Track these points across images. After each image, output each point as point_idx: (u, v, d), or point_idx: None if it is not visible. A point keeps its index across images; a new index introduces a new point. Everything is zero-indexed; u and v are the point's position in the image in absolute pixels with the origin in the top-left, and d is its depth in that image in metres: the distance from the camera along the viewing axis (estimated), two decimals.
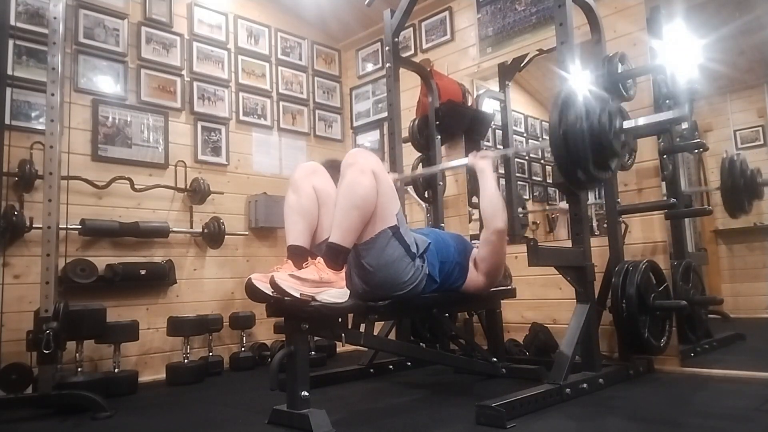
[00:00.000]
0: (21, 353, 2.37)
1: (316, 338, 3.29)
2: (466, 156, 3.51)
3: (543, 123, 4.23)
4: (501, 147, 3.69)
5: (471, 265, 2.29)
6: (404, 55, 3.71)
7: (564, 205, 3.47)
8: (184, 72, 3.47)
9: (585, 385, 2.07)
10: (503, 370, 2.53)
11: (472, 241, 2.47)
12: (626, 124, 2.08)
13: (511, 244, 3.18)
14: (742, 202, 3.11)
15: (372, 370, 2.79)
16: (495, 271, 2.31)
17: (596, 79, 2.62)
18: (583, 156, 1.95)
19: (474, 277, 2.27)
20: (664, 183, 2.93)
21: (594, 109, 1.99)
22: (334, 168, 2.21)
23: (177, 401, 2.45)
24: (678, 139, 3.16)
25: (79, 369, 2.53)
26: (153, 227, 3.10)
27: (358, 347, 2.39)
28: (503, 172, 3.80)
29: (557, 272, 2.25)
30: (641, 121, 2.16)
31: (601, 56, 2.65)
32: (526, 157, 4.12)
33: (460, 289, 2.26)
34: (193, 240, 3.37)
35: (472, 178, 3.51)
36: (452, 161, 3.04)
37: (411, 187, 3.40)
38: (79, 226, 2.83)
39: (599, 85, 2.59)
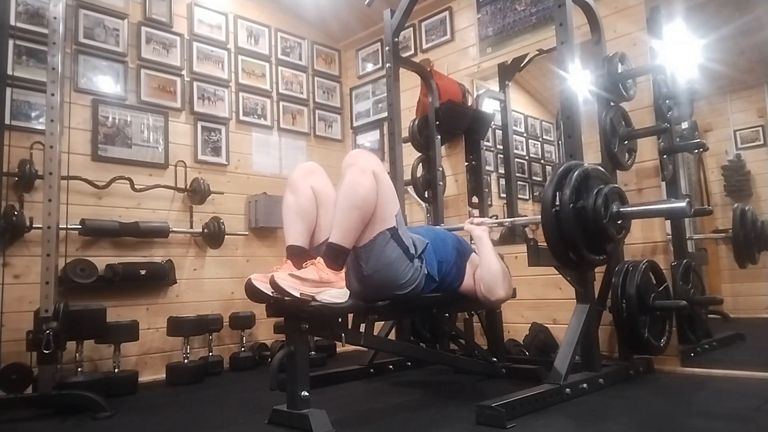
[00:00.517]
0: (21, 353, 2.37)
1: (316, 338, 3.29)
2: (466, 157, 3.54)
3: (543, 123, 4.23)
4: (497, 221, 3.65)
5: (470, 272, 2.27)
6: (404, 55, 3.71)
7: None
8: (184, 72, 3.47)
9: (585, 385, 2.07)
10: (503, 370, 2.53)
11: (472, 242, 2.47)
12: (624, 209, 2.02)
13: (511, 244, 3.19)
14: (752, 254, 3.14)
15: (372, 370, 2.78)
16: (493, 288, 2.28)
17: (596, 79, 2.63)
18: (577, 239, 1.89)
19: (471, 286, 2.26)
20: (664, 183, 2.93)
21: (590, 189, 1.93)
22: None
23: (177, 401, 2.45)
24: (678, 139, 3.15)
25: (79, 369, 2.53)
26: (153, 227, 3.10)
27: (358, 347, 2.39)
28: (503, 172, 3.80)
29: (557, 272, 2.25)
30: (641, 207, 2.13)
31: (601, 56, 2.65)
32: (526, 157, 4.12)
33: (457, 289, 2.25)
34: (193, 240, 3.37)
35: (472, 178, 3.52)
36: (448, 226, 3.03)
37: (411, 187, 3.40)
38: (79, 226, 2.83)
39: (599, 85, 2.61)
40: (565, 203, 1.88)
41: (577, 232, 1.89)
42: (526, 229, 3.57)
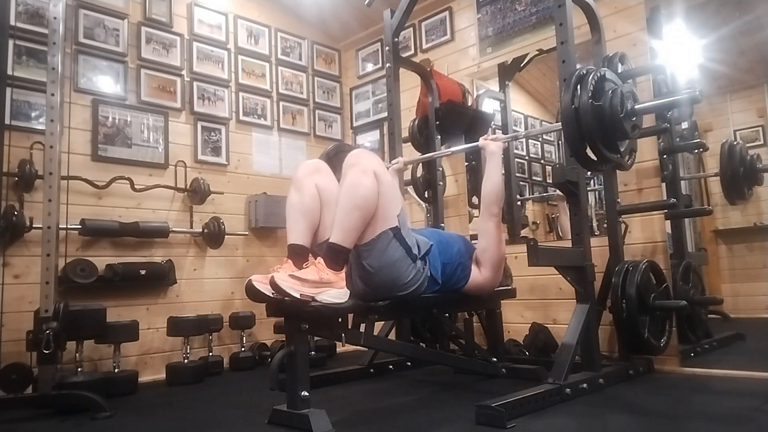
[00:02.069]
0: (21, 353, 2.37)
1: (316, 338, 3.29)
2: (466, 157, 3.54)
3: (543, 123, 4.22)
4: (511, 135, 3.67)
5: (473, 264, 2.28)
6: (404, 55, 3.71)
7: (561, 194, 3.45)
8: (184, 72, 3.47)
9: (585, 385, 2.07)
10: (503, 370, 2.53)
11: (473, 242, 2.47)
12: (638, 106, 2.08)
13: (511, 244, 3.19)
14: (741, 190, 3.11)
15: (372, 370, 2.78)
16: (497, 263, 2.30)
17: None
18: (595, 134, 1.96)
19: (477, 276, 2.26)
20: (664, 183, 2.93)
21: (606, 89, 2.00)
22: (342, 153, 2.20)
23: (177, 401, 2.45)
24: (678, 139, 3.16)
25: (79, 369, 2.53)
26: (153, 227, 3.10)
27: (358, 347, 2.39)
28: (503, 172, 3.79)
29: (557, 272, 2.25)
30: (652, 103, 2.17)
31: (601, 56, 2.65)
32: (526, 157, 4.12)
33: (462, 289, 2.25)
34: (193, 240, 3.37)
35: (472, 178, 3.52)
36: (461, 146, 3.03)
37: (411, 187, 3.40)
38: (79, 226, 2.83)
39: None
40: (584, 102, 1.94)
41: (595, 129, 1.96)
42: (526, 229, 3.58)
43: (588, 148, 2.01)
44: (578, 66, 2.18)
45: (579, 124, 1.95)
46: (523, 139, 4.04)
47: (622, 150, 2.11)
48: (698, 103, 2.13)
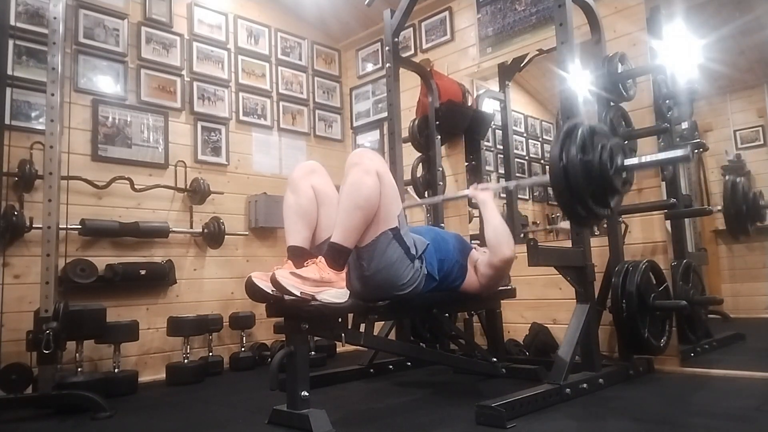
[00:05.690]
0: (21, 353, 2.37)
1: (316, 338, 3.29)
2: (466, 157, 3.54)
3: (543, 123, 4.23)
4: (502, 179, 3.71)
5: (471, 268, 2.29)
6: (404, 55, 3.71)
7: (564, 224, 3.46)
8: (184, 72, 3.47)
9: (585, 385, 2.07)
10: (503, 370, 2.53)
11: (472, 242, 2.47)
12: (628, 162, 2.04)
13: None
14: (745, 227, 3.13)
15: (372, 370, 2.78)
16: (495, 285, 2.37)
17: (596, 79, 2.63)
18: (584, 191, 1.91)
19: (473, 282, 2.28)
20: (664, 183, 2.93)
21: (596, 144, 1.97)
22: None
23: (177, 401, 2.45)
24: (678, 139, 3.16)
25: (79, 369, 2.53)
26: (153, 227, 3.10)
27: (358, 347, 2.39)
28: (503, 172, 3.80)
29: (557, 272, 2.25)
30: (644, 158, 2.14)
31: (601, 56, 2.65)
32: (526, 157, 4.13)
33: (458, 288, 2.26)
34: (193, 240, 3.37)
35: (472, 178, 3.52)
36: (452, 193, 3.06)
37: (411, 187, 3.40)
38: (79, 226, 2.83)
39: (599, 85, 2.61)
40: (572, 158, 1.92)
41: (584, 185, 1.94)
42: (526, 229, 3.58)
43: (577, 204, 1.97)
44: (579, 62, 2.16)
45: (568, 180, 1.91)
46: (523, 141, 4.04)
47: (612, 204, 2.08)
48: (688, 162, 2.07)
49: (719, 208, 3.27)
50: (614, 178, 1.96)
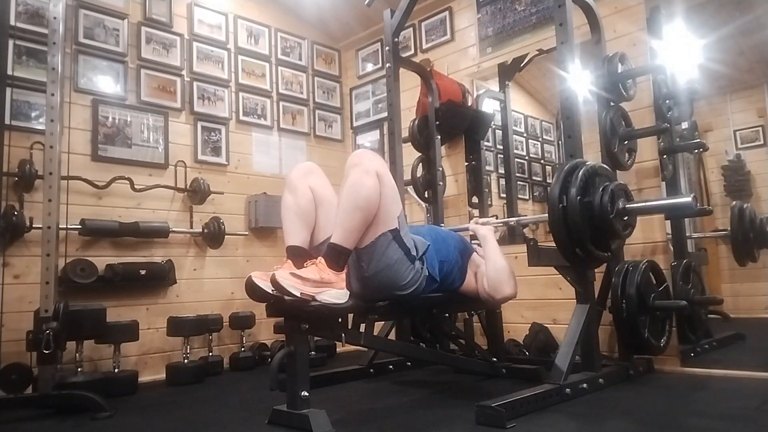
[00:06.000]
0: (21, 353, 2.37)
1: (316, 338, 3.29)
2: (466, 157, 3.54)
3: (543, 123, 4.22)
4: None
5: (471, 272, 2.29)
6: (404, 55, 3.71)
7: None
8: (184, 72, 3.47)
9: (585, 385, 2.07)
10: (503, 370, 2.53)
11: (473, 242, 2.47)
12: (630, 205, 2.01)
13: (511, 244, 3.19)
14: (752, 252, 3.14)
15: (372, 370, 2.78)
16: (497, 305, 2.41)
17: (596, 79, 2.63)
18: (583, 234, 1.89)
19: (472, 286, 2.28)
20: (664, 183, 2.93)
21: (597, 185, 1.94)
22: None
23: (177, 401, 2.45)
24: (678, 139, 3.15)
25: (79, 369, 2.53)
26: (153, 227, 3.10)
27: (358, 347, 2.39)
28: (503, 172, 3.80)
29: (557, 272, 2.24)
30: (647, 203, 2.13)
31: (601, 56, 2.65)
32: (526, 157, 4.12)
33: (458, 290, 2.25)
34: (193, 240, 3.37)
35: (472, 178, 3.52)
36: (452, 226, 3.04)
37: (411, 187, 3.40)
38: (79, 226, 2.83)
39: (599, 85, 2.61)
40: (572, 199, 1.88)
41: (584, 228, 1.90)
42: (525, 229, 3.57)
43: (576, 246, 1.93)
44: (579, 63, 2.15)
45: (567, 222, 1.89)
46: (523, 141, 4.04)
47: (613, 248, 2.05)
48: (693, 210, 2.05)
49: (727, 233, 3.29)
50: (615, 221, 1.93)
